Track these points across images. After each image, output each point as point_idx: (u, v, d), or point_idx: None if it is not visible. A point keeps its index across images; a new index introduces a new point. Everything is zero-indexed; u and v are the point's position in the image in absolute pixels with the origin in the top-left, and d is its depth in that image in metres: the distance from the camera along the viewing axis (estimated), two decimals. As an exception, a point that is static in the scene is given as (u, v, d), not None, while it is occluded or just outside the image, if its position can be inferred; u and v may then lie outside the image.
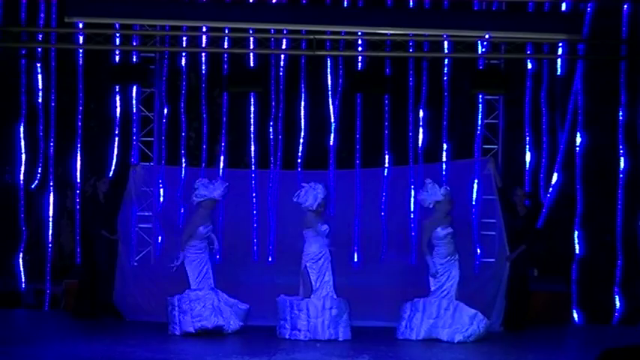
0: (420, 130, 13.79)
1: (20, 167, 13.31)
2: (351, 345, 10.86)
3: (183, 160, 13.70)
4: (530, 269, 13.26)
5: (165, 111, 13.71)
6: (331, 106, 13.97)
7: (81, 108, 13.50)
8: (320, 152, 13.97)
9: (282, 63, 13.85)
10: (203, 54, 13.66)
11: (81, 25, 12.82)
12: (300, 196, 11.38)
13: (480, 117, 13.60)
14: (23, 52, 13.23)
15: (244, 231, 13.29)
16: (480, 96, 13.52)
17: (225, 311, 11.39)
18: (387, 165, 13.72)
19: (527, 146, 13.78)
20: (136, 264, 13.21)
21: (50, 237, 13.26)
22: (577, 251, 12.83)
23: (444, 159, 13.54)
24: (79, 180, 13.55)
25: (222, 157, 13.75)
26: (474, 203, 12.99)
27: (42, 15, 13.12)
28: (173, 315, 11.33)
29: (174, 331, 11.31)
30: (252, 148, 13.84)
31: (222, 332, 11.29)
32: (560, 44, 12.96)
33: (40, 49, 13.23)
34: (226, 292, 11.57)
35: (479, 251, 12.97)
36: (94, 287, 12.36)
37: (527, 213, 12.37)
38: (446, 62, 13.69)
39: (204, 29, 13.02)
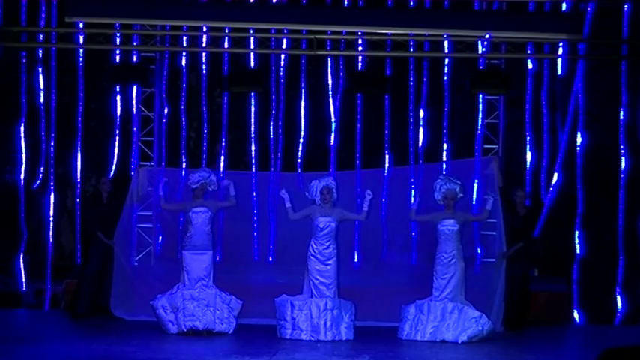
0: (421, 130, 13.79)
1: (21, 167, 13.31)
2: (351, 345, 10.86)
3: (184, 160, 13.70)
4: (531, 269, 13.27)
5: (166, 111, 13.71)
6: (331, 106, 13.96)
7: (81, 108, 13.50)
8: (320, 152, 13.98)
9: (282, 63, 13.84)
10: (203, 54, 13.66)
11: (81, 25, 12.82)
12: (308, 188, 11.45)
13: (480, 117, 13.59)
14: (23, 56, 13.22)
15: (245, 230, 13.30)
16: (481, 96, 13.51)
17: (222, 310, 11.37)
18: (387, 165, 13.71)
19: (528, 146, 13.77)
20: (136, 264, 13.24)
21: (51, 237, 13.26)
22: (577, 251, 12.83)
23: (445, 159, 13.54)
24: (79, 180, 13.56)
25: (222, 157, 13.75)
26: (474, 203, 13.00)
27: (42, 15, 13.13)
28: (166, 315, 11.33)
29: (171, 330, 11.31)
30: (253, 148, 13.84)
31: (213, 333, 11.27)
32: (561, 44, 12.96)
33: (40, 49, 13.22)
34: (226, 292, 11.56)
35: (479, 251, 12.98)
36: (91, 287, 12.38)
37: (527, 213, 12.38)
38: (446, 62, 13.68)
39: (204, 29, 13.02)
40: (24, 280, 13.11)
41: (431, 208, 11.84)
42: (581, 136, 12.90)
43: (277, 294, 11.49)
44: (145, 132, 13.66)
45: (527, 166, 13.75)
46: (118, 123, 13.68)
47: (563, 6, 13.04)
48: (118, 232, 12.54)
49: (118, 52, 13.27)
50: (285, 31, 13.09)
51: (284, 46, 13.39)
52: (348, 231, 12.60)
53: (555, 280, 13.65)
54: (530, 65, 13.70)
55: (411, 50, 13.17)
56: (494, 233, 12.64)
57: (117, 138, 13.68)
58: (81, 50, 13.34)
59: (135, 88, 13.52)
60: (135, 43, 13.11)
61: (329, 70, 13.96)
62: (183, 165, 13.65)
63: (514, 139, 14.04)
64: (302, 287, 11.38)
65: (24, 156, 13.30)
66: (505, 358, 10.59)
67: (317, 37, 12.85)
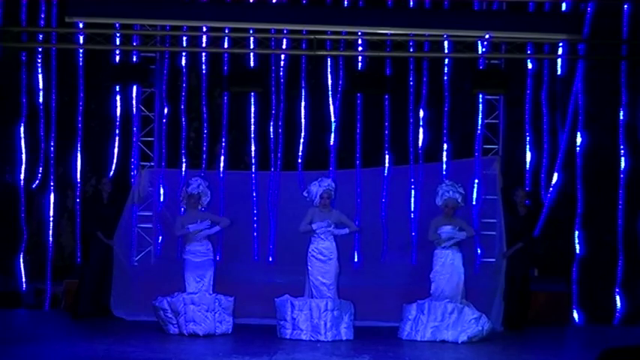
0: (421, 129, 13.79)
1: (21, 167, 13.29)
2: (351, 345, 10.85)
3: (184, 160, 13.71)
4: (531, 269, 13.26)
5: (166, 111, 13.72)
6: (331, 106, 13.98)
7: (81, 108, 13.50)
8: (320, 152, 13.98)
9: (282, 63, 13.85)
10: (203, 54, 13.67)
11: (81, 25, 12.81)
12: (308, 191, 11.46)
13: (480, 117, 13.60)
14: (23, 56, 13.22)
15: (245, 230, 13.31)
16: (481, 96, 13.52)
17: (220, 313, 11.35)
18: (387, 165, 13.71)
19: (528, 146, 13.78)
20: (136, 264, 13.24)
21: (51, 237, 13.25)
22: (577, 251, 12.82)
23: (445, 159, 13.54)
24: (79, 180, 13.56)
25: (222, 157, 13.75)
26: (474, 203, 13.00)
27: (42, 15, 13.12)
28: (167, 317, 11.32)
29: (172, 331, 11.31)
30: (253, 148, 13.84)
31: (214, 336, 11.26)
32: (561, 44, 12.96)
33: (40, 49, 13.22)
34: (226, 292, 11.55)
35: (479, 251, 12.99)
36: (91, 287, 12.38)
37: (527, 213, 12.38)
38: (446, 62, 13.69)
39: (204, 29, 13.02)
40: (24, 280, 13.10)
41: (431, 208, 11.86)
42: (581, 136, 12.90)
43: (277, 294, 11.48)
44: (145, 132, 13.67)
45: (527, 166, 13.76)
46: (118, 123, 13.68)
47: (563, 6, 13.04)
48: (118, 232, 12.54)
49: (118, 52, 13.26)
50: (285, 31, 13.08)
51: (284, 46, 13.39)
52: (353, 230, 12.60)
53: (555, 280, 13.64)
54: (530, 65, 13.71)
55: (411, 50, 13.17)
56: (494, 233, 12.65)
57: (117, 138, 13.68)
58: (81, 50, 13.34)
59: (135, 88, 13.53)
60: (135, 43, 13.10)
61: (329, 70, 13.97)
62: (183, 165, 13.66)
63: (514, 139, 14.04)
64: (303, 289, 11.37)
65: (24, 156, 13.28)
66: (505, 358, 10.58)
67: (317, 37, 12.85)
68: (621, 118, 12.86)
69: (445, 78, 13.76)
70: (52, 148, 13.37)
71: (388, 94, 13.70)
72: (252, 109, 13.89)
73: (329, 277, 11.24)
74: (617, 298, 12.67)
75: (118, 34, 12.97)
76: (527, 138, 13.78)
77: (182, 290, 11.43)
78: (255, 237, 13.42)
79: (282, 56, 13.75)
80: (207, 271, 11.51)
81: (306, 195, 11.45)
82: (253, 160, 13.84)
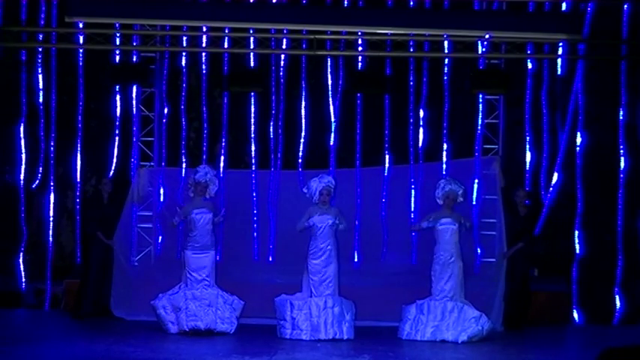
0: (421, 129, 13.80)
1: (20, 167, 13.30)
2: (351, 345, 10.85)
3: (184, 160, 13.71)
4: (531, 269, 13.26)
5: (166, 111, 13.72)
6: (331, 106, 13.98)
7: (81, 108, 13.50)
8: (320, 152, 13.98)
9: (282, 63, 13.85)
10: (203, 54, 13.68)
11: (81, 25, 12.82)
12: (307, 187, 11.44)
13: (480, 117, 13.61)
14: (24, 56, 13.22)
15: (245, 230, 13.31)
16: (480, 96, 13.53)
17: (224, 310, 11.36)
18: (387, 165, 13.71)
19: (528, 146, 13.78)
20: (136, 264, 13.24)
21: (50, 237, 13.25)
22: (577, 251, 12.82)
23: (444, 159, 13.54)
24: (79, 180, 13.56)
25: (222, 157, 13.76)
26: (474, 203, 13.00)
27: (42, 15, 13.12)
28: (167, 315, 11.32)
29: (172, 331, 11.31)
30: (253, 148, 13.85)
31: (214, 333, 11.26)
32: (561, 44, 12.97)
33: (40, 49, 13.22)
34: (228, 292, 11.54)
35: (479, 251, 12.99)
36: (93, 288, 12.37)
37: (527, 213, 12.38)
38: (446, 62, 13.70)
39: (204, 29, 13.03)
40: (24, 280, 13.10)
41: (431, 208, 11.85)
42: (581, 136, 12.90)
43: (277, 294, 11.48)
44: (145, 132, 13.67)
45: (527, 166, 13.76)
46: (118, 123, 13.68)
47: (563, 6, 13.05)
48: (118, 232, 12.53)
49: (117, 52, 13.27)
50: (285, 31, 13.09)
51: (284, 46, 13.39)
52: (348, 231, 12.60)
53: (555, 280, 13.64)
54: (530, 65, 13.71)
55: (411, 50, 13.18)
56: (494, 233, 12.65)
57: (117, 138, 13.68)
58: (80, 50, 13.34)
59: (135, 88, 13.53)
60: (135, 43, 13.11)
61: (329, 70, 13.97)
62: (183, 165, 13.66)
63: (514, 139, 14.04)
64: (301, 286, 11.36)
65: (23, 156, 13.29)
66: (505, 358, 10.59)
67: (317, 37, 12.85)
68: (621, 118, 12.86)
69: (445, 78, 13.76)
70: (52, 148, 13.37)
71: (388, 94, 13.71)
72: (252, 109, 13.89)
73: (328, 276, 11.22)
74: (617, 298, 12.67)
75: (118, 34, 12.98)
76: (527, 138, 13.78)
77: (184, 284, 11.43)
78: (255, 237, 13.42)
79: (282, 56, 13.75)
80: (209, 265, 11.46)
81: (305, 191, 11.43)
82: (253, 160, 13.85)
